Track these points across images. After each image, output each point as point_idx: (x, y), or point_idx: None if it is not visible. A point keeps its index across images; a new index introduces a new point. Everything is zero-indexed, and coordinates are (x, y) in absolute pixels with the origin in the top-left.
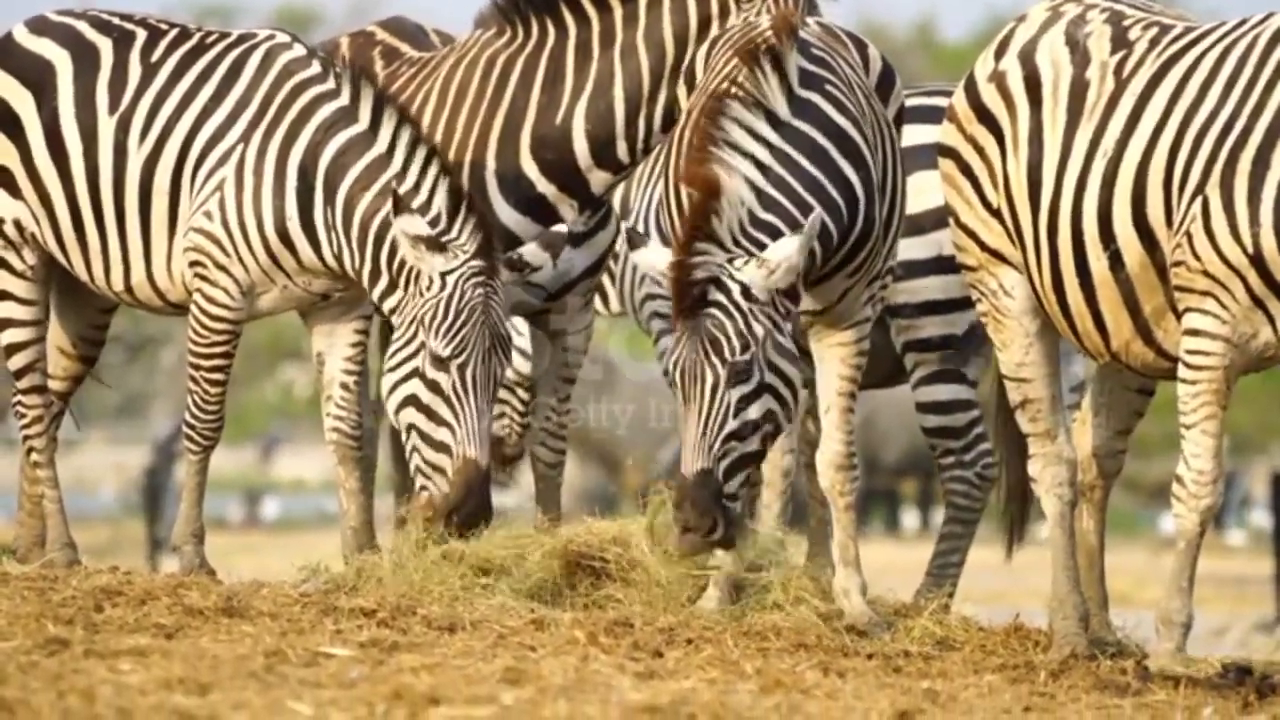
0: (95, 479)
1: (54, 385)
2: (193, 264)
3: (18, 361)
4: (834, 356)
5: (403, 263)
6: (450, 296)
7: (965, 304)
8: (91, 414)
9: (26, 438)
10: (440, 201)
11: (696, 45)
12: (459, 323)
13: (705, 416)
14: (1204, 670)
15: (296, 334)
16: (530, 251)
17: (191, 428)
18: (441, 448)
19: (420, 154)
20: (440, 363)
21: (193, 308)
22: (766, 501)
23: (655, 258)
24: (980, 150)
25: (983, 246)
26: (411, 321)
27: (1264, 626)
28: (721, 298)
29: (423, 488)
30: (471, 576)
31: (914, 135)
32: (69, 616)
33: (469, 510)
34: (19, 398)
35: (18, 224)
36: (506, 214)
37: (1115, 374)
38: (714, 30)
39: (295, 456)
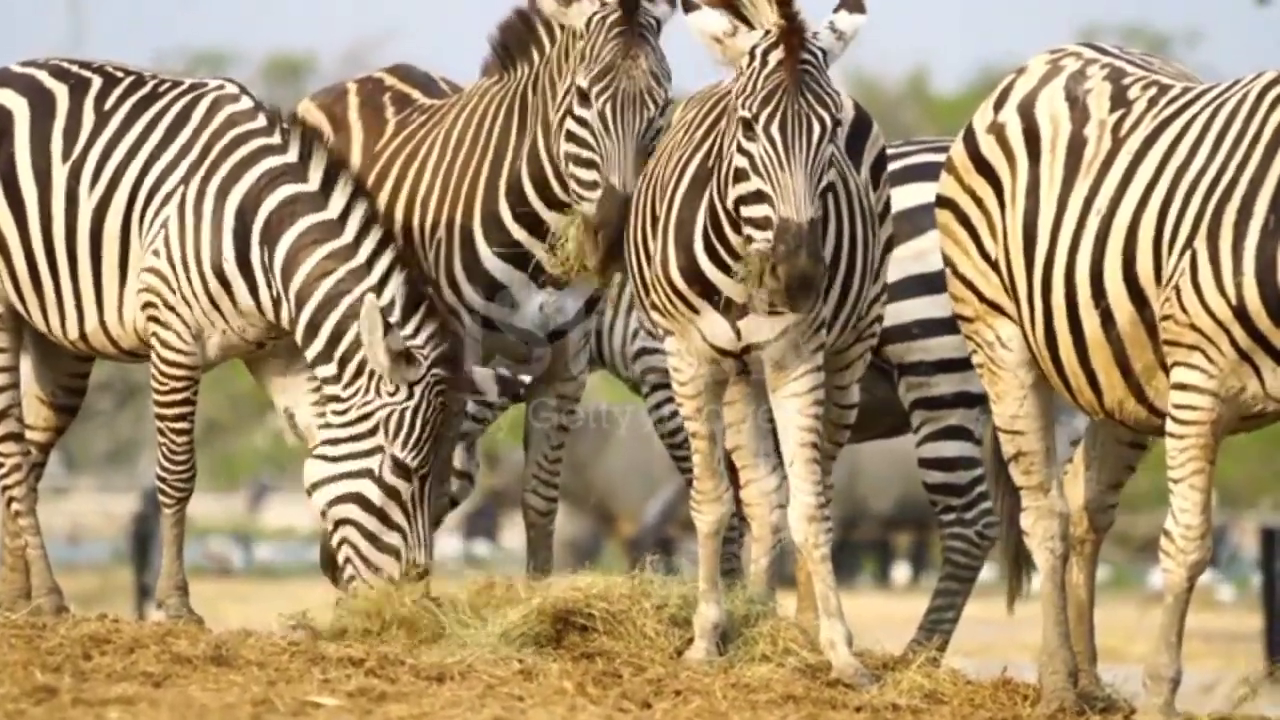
0: (84, 526)
1: (35, 436)
2: (145, 305)
3: None
4: (790, 407)
5: (353, 347)
6: (417, 408)
7: None
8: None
9: (5, 488)
10: (395, 290)
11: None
12: (424, 435)
13: (810, 166)
14: None
15: None
16: (482, 375)
17: (164, 480)
18: (391, 550)
19: (374, 234)
20: (404, 472)
21: (152, 356)
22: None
23: (709, 21)
24: (979, 201)
25: (980, 298)
26: (366, 418)
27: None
28: (812, 60)
29: (351, 578)
30: (456, 627)
31: (924, 194)
32: (57, 664)
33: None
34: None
35: None
36: (490, 261)
37: (1108, 428)
38: (567, 66)
39: (285, 504)
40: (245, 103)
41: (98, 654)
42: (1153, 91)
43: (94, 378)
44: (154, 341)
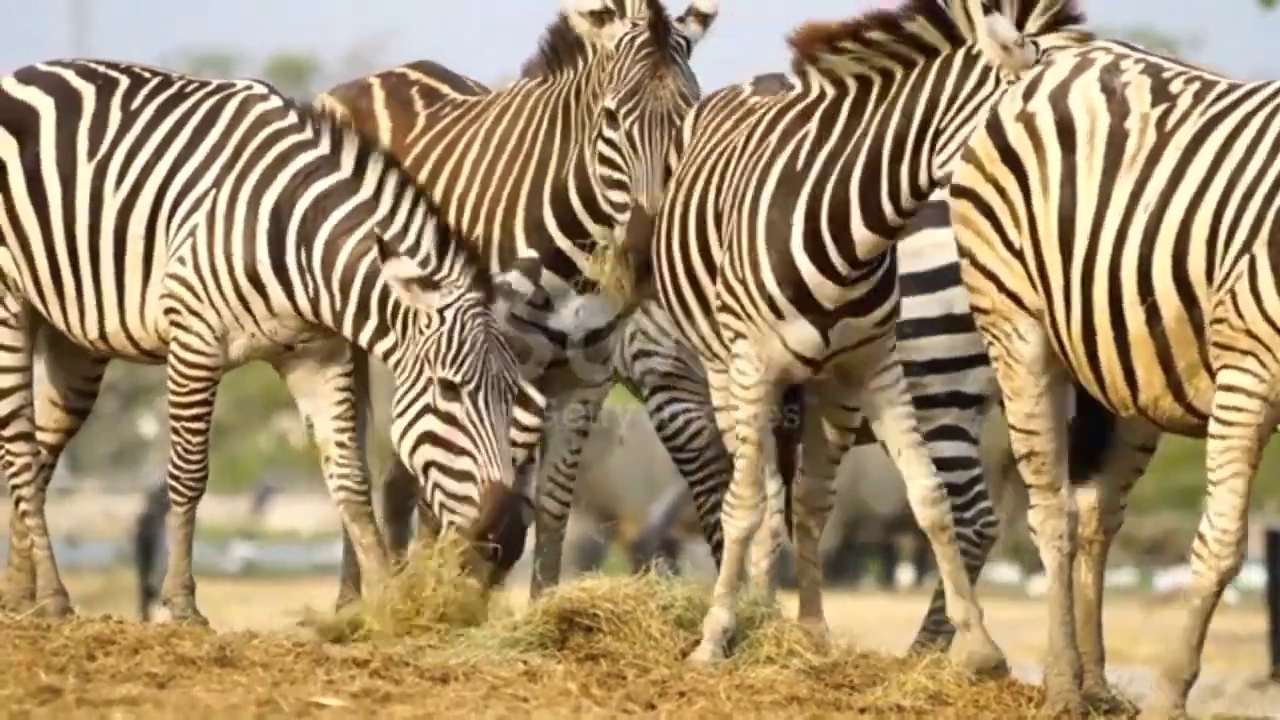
0: (88, 528)
1: (45, 437)
2: (168, 310)
3: (3, 408)
4: (887, 399)
5: (396, 305)
6: (452, 329)
7: (972, 361)
8: (85, 463)
9: (14, 486)
10: (429, 242)
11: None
12: (465, 351)
13: None
14: None
15: None
16: (515, 279)
17: (176, 479)
18: (465, 476)
19: (407, 196)
20: (452, 391)
21: (170, 356)
22: (755, 559)
23: (1001, 28)
24: (1002, 191)
25: (1001, 288)
26: (415, 361)
27: (1258, 684)
28: None
29: (450, 521)
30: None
31: None
32: (61, 665)
33: (503, 531)
34: (5, 446)
35: None
36: None
37: (1119, 429)
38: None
39: (289, 506)
40: (275, 101)
41: (102, 655)
42: (1196, 86)
43: None
44: (174, 343)
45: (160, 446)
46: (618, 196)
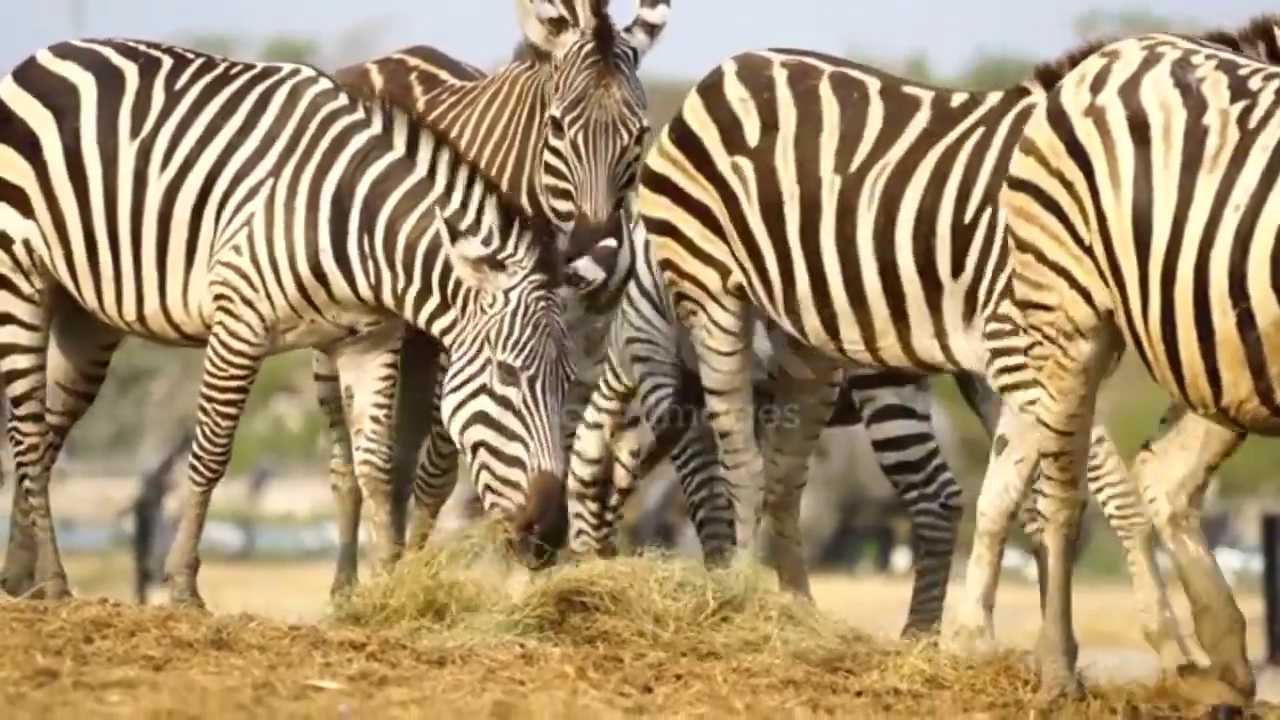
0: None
1: (51, 420)
2: (218, 298)
3: (18, 388)
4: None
5: (458, 282)
6: (515, 311)
7: None
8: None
9: (21, 465)
10: (490, 219)
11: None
12: (526, 336)
13: None
14: (1194, 711)
15: (288, 368)
16: (585, 266)
17: (199, 459)
18: (514, 462)
19: (463, 174)
20: (510, 375)
21: (212, 340)
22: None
23: None
24: (1069, 185)
25: (1073, 284)
26: (474, 340)
27: (1255, 668)
28: None
29: (493, 505)
30: (458, 611)
31: None
32: (58, 648)
33: (549, 521)
34: (16, 424)
35: (27, 245)
36: None
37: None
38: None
39: (285, 490)
40: (324, 84)
41: (99, 638)
42: (1277, 84)
43: None
44: (220, 330)
45: (155, 430)
46: (562, 205)
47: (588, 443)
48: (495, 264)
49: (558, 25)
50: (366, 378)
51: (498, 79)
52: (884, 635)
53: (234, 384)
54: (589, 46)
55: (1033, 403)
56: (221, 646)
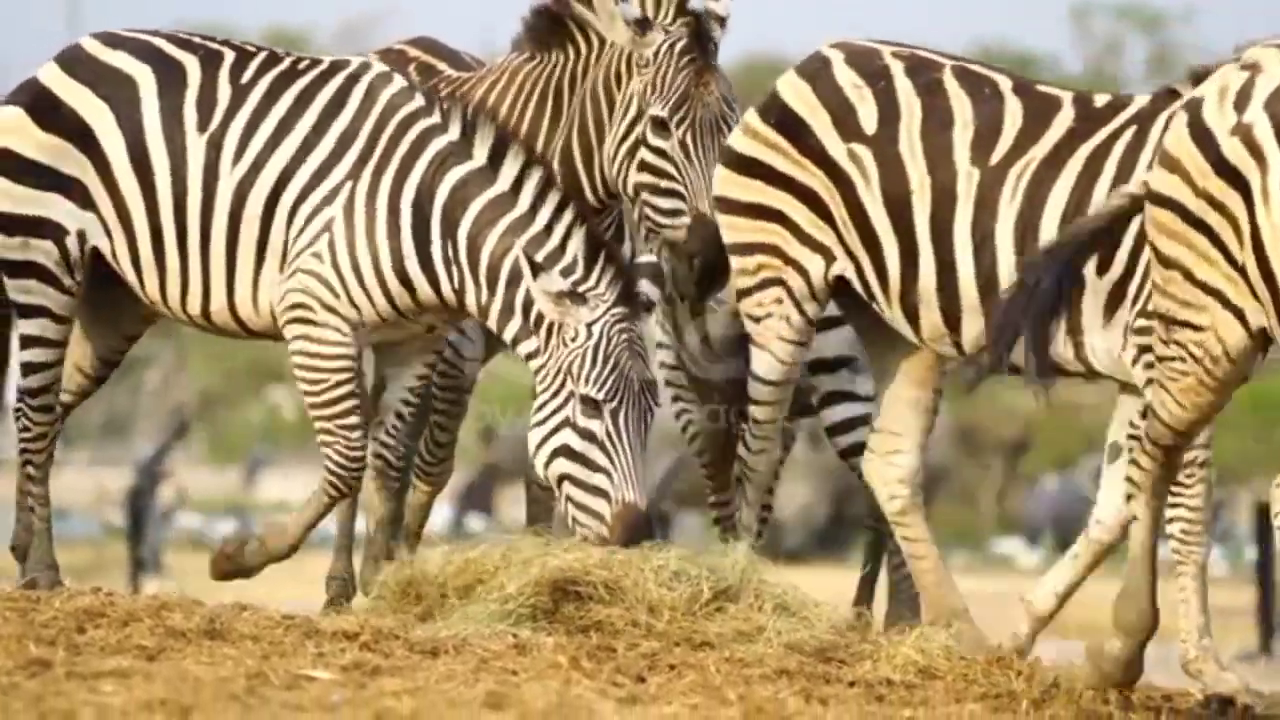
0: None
1: (63, 398)
2: (296, 306)
3: (36, 380)
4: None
5: (541, 316)
6: (597, 344)
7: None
8: (74, 435)
9: (26, 451)
10: (576, 247)
11: (613, 102)
12: (609, 368)
13: None
14: (1187, 701)
15: (281, 356)
16: (646, 288)
17: (337, 476)
18: (599, 493)
19: (552, 198)
20: (594, 408)
21: (299, 359)
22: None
23: None
24: (1220, 206)
25: (1225, 304)
26: (557, 372)
27: (1247, 658)
28: None
29: (583, 537)
30: (454, 600)
31: None
32: (51, 638)
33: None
34: (28, 413)
35: (82, 236)
36: None
37: None
38: (621, 90)
39: (279, 479)
40: (400, 82)
41: (92, 627)
42: None
43: None
44: (304, 343)
45: (149, 419)
46: (667, 203)
47: None
48: (576, 297)
49: (643, 26)
50: (405, 373)
51: (495, 69)
52: (877, 624)
53: (342, 391)
54: (682, 44)
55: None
56: (215, 636)
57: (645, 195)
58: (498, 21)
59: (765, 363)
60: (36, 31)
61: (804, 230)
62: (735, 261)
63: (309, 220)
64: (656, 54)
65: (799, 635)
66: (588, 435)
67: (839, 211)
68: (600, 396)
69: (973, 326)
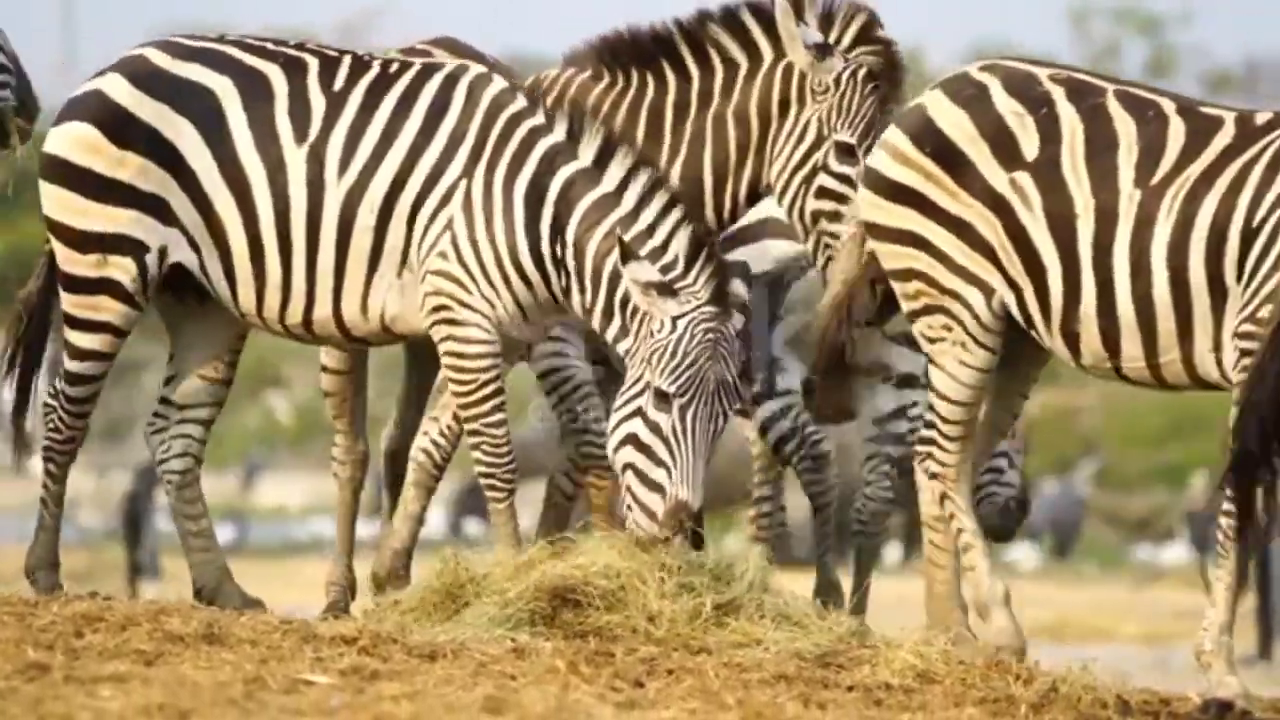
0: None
1: (201, 414)
2: (436, 309)
3: (82, 392)
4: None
5: (635, 309)
6: (680, 338)
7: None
8: None
9: (52, 450)
10: (679, 247)
11: (778, 126)
12: (685, 363)
13: None
14: (1185, 705)
15: (279, 360)
16: (738, 286)
17: (492, 476)
18: (656, 488)
19: (658, 198)
20: (663, 401)
21: (448, 359)
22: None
23: None
24: None
25: None
26: (640, 362)
27: (1245, 662)
28: None
29: (632, 526)
30: (450, 606)
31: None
32: (49, 642)
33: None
34: (66, 418)
35: (163, 253)
36: None
37: None
38: (791, 114)
39: (277, 483)
40: (501, 82)
41: (90, 632)
42: None
43: None
44: (450, 343)
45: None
46: (840, 228)
47: None
48: (665, 289)
49: (823, 50)
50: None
51: (551, 81)
52: (875, 629)
53: (489, 389)
54: (864, 72)
55: None
56: (213, 641)
57: (824, 223)
58: (497, 20)
59: (943, 381)
60: (33, 31)
61: (956, 262)
62: (896, 286)
63: (429, 223)
64: (838, 80)
65: (799, 645)
66: (654, 428)
67: (1001, 241)
68: (671, 390)
69: (1132, 348)
